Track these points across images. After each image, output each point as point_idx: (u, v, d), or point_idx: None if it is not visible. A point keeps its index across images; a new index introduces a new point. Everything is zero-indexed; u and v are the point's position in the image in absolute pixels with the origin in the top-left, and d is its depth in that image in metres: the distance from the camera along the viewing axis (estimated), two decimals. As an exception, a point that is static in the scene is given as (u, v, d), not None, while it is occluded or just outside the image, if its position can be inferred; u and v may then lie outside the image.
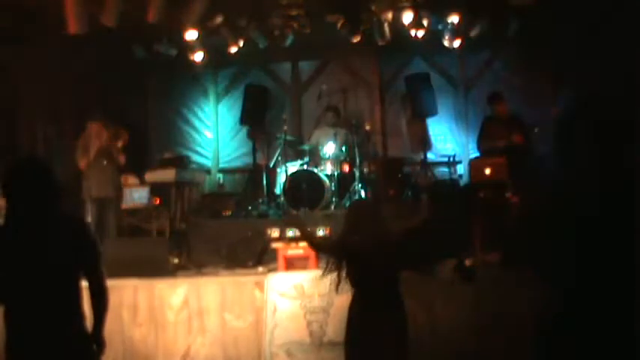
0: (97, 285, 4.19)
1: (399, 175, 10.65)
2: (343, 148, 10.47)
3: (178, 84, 12.33)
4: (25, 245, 3.92)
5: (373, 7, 9.25)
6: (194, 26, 10.29)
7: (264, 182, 10.83)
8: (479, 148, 10.09)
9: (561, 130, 3.95)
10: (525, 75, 11.06)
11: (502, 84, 10.90)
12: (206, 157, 12.11)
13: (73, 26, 8.65)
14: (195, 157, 11.59)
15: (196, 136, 12.23)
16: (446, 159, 11.13)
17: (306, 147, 10.77)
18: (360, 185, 10.14)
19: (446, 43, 10.57)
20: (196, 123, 12.25)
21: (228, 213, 10.36)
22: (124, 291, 7.38)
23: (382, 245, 5.15)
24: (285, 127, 11.19)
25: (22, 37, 9.94)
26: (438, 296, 7.05)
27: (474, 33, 10.36)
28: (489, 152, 9.61)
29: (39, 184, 3.99)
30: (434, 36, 10.50)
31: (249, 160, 11.31)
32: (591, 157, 3.63)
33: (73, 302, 4.03)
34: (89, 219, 9.84)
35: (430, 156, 11.22)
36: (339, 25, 10.15)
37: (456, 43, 10.55)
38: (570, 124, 3.75)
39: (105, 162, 9.90)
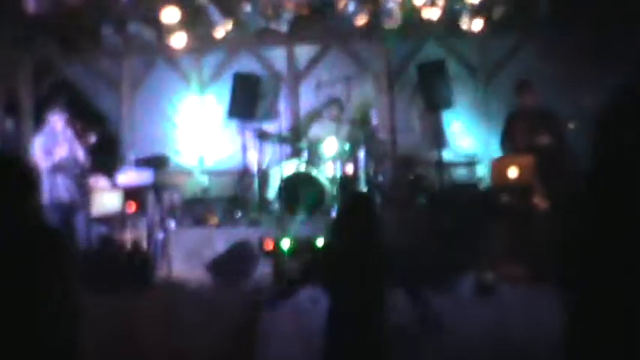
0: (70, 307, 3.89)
1: (411, 177, 10.70)
2: (346, 146, 10.51)
3: (156, 72, 12.35)
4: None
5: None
6: (174, 4, 10.34)
7: (256, 185, 10.88)
8: (502, 147, 10.12)
9: (602, 126, 3.97)
10: (558, 62, 11.06)
11: (530, 72, 10.89)
12: (188, 157, 12.14)
13: (32, 5, 8.70)
14: (175, 157, 11.62)
15: (177, 132, 12.26)
16: (464, 158, 11.17)
17: (303, 145, 10.81)
18: (365, 188, 10.19)
19: (464, 26, 10.60)
20: (177, 117, 12.28)
21: (215, 221, 10.40)
22: (94, 311, 7.41)
23: (373, 254, 5.17)
24: (280, 122, 11.25)
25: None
26: (453, 314, 7.09)
27: (497, 14, 10.40)
28: (514, 152, 9.65)
29: (15, 186, 3.85)
30: (450, 17, 10.54)
31: (238, 159, 11.34)
32: (636, 157, 3.65)
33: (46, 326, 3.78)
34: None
35: (446, 155, 11.24)
36: (341, 4, 10.19)
37: (476, 26, 10.57)
38: (612, 118, 3.78)
39: (71, 162, 9.95)
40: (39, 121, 10.71)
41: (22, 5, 8.76)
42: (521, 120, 9.90)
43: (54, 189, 9.91)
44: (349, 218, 5.37)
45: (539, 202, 8.56)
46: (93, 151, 10.33)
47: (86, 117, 10.81)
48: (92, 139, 10.49)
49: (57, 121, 10.01)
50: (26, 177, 3.94)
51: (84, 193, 10.09)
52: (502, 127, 10.24)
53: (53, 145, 9.93)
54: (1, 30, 10.62)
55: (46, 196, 9.93)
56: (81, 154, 10.01)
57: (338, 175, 10.39)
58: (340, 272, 5.16)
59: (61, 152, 9.90)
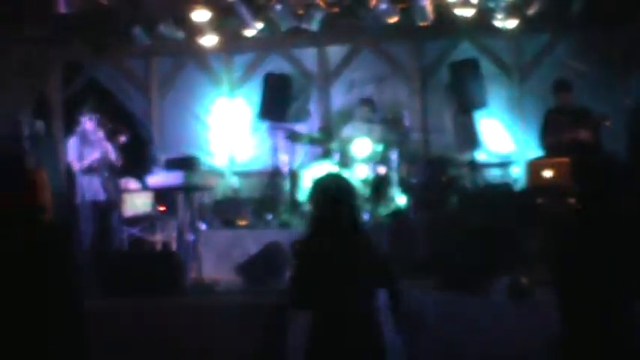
0: (73, 315, 3.86)
1: (443, 179, 10.63)
2: (378, 147, 10.47)
3: (185, 73, 12.38)
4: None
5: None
6: (204, 4, 10.34)
7: (287, 187, 10.86)
8: (542, 144, 10.07)
9: (636, 124, 4.01)
10: (592, 60, 10.98)
11: (564, 70, 10.82)
12: (219, 158, 12.15)
13: (63, 4, 8.71)
14: (206, 158, 11.63)
15: (207, 133, 12.27)
16: (498, 159, 11.09)
17: (335, 146, 10.78)
18: (397, 190, 10.15)
19: (498, 24, 10.52)
20: (207, 118, 12.29)
21: (245, 222, 10.41)
22: (122, 314, 7.44)
23: (354, 247, 4.80)
24: (311, 123, 11.21)
25: (8, 18, 10.04)
26: (487, 319, 7.03)
27: (531, 11, 10.31)
28: (553, 149, 9.59)
29: (13, 183, 3.88)
30: (484, 15, 10.46)
31: (268, 161, 11.34)
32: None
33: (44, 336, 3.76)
34: (87, 227, 9.88)
35: (479, 155, 11.17)
36: (372, 3, 10.14)
37: (510, 24, 10.50)
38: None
39: (103, 163, 9.98)
40: (69, 122, 10.76)
41: (53, 5, 8.77)
42: (560, 116, 9.85)
43: (89, 189, 9.95)
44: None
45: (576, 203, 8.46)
46: (123, 151, 10.36)
47: (116, 117, 10.85)
48: (123, 139, 10.52)
49: (88, 122, 10.06)
50: (21, 177, 3.93)
51: (117, 193, 10.13)
52: (540, 123, 10.18)
53: (85, 146, 9.98)
54: (31, 30, 10.67)
55: (80, 195, 9.96)
56: (112, 154, 10.04)
57: (370, 176, 10.35)
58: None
59: (94, 153, 9.93)
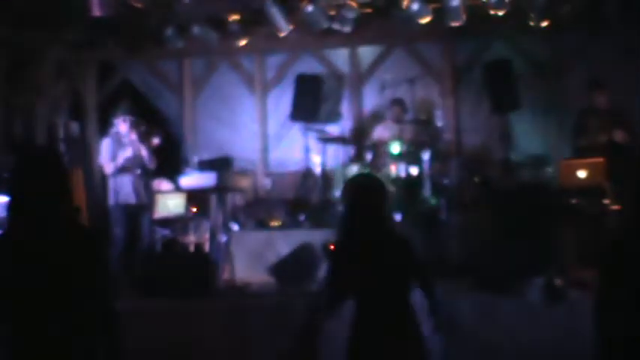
0: (103, 316, 3.84)
1: (476, 179, 10.56)
2: (410, 148, 10.43)
3: (218, 73, 12.41)
4: (33, 263, 3.71)
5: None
6: (236, 6, 10.35)
7: (319, 187, 10.84)
8: (574, 145, 9.98)
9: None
10: (629, 60, 10.86)
11: (600, 71, 10.71)
12: (251, 159, 12.15)
13: (97, 7, 8.75)
14: (238, 159, 11.64)
15: (240, 134, 12.29)
16: (532, 159, 11.00)
17: (367, 146, 10.76)
18: (429, 191, 10.10)
19: (532, 23, 10.44)
20: (240, 119, 12.31)
21: (277, 223, 10.40)
22: (154, 316, 7.45)
23: (390, 242, 4.91)
24: (343, 124, 11.18)
25: (44, 22, 10.10)
26: (522, 320, 6.97)
27: (566, 9, 10.23)
28: (587, 150, 9.51)
29: (51, 183, 3.82)
30: (517, 15, 10.39)
31: (300, 161, 11.32)
32: None
33: (80, 335, 3.77)
34: (118, 230, 9.93)
35: (513, 156, 11.08)
36: (404, 3, 10.11)
37: (544, 23, 10.41)
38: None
39: (136, 164, 10.01)
40: (103, 124, 10.81)
41: (87, 8, 8.82)
42: (595, 116, 9.78)
43: (121, 191, 9.97)
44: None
45: (611, 204, 8.39)
46: (157, 153, 10.39)
47: (149, 119, 10.89)
48: (156, 140, 10.57)
49: (121, 124, 10.08)
50: (62, 175, 3.93)
51: (149, 195, 10.15)
52: (574, 122, 10.10)
53: (119, 148, 10.00)
54: (66, 32, 10.74)
55: (112, 198, 10.00)
56: (145, 156, 10.06)
57: (402, 177, 10.30)
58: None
59: (126, 154, 9.95)
